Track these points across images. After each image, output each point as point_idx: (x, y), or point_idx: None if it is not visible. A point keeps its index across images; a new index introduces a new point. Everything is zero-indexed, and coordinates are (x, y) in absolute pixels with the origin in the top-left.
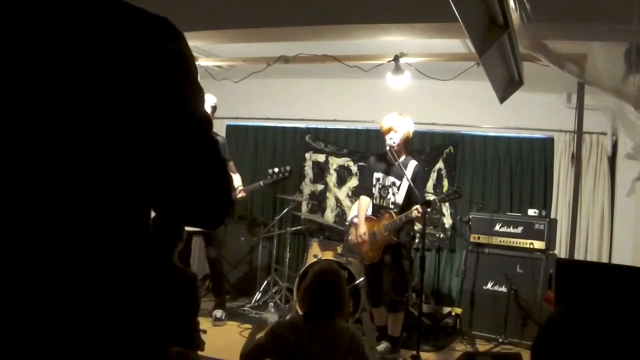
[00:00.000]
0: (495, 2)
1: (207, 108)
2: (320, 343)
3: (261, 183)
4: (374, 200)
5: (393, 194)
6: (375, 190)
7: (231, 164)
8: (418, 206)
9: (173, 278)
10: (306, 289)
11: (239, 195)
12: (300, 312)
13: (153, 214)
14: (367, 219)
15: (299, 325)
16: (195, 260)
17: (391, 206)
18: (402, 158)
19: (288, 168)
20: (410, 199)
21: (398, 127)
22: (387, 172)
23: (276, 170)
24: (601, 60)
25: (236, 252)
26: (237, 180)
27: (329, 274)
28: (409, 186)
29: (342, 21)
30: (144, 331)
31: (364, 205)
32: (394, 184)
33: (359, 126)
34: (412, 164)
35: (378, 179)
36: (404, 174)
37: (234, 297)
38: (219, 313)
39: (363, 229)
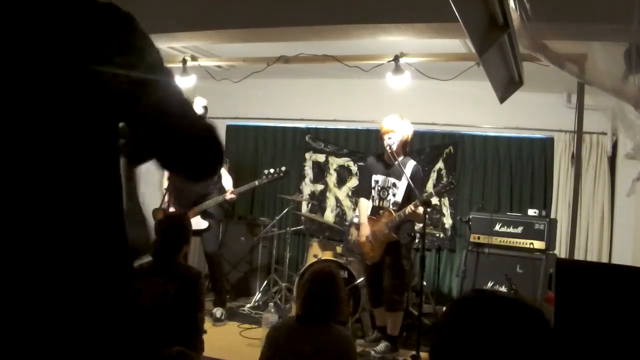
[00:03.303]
0: (495, 2)
1: (199, 109)
2: (311, 344)
3: (256, 183)
4: (373, 202)
5: (393, 195)
6: (374, 192)
7: (224, 165)
8: (412, 203)
9: (178, 276)
10: (301, 291)
11: (229, 197)
12: (297, 313)
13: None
14: (368, 219)
15: (291, 326)
16: (196, 261)
17: (391, 206)
18: (400, 158)
19: (283, 168)
20: (409, 197)
21: (398, 129)
22: (386, 174)
23: (272, 170)
24: (601, 60)
25: (236, 252)
26: (228, 182)
27: (323, 277)
28: (408, 185)
29: (342, 21)
30: (116, 324)
31: (364, 207)
32: (394, 184)
33: (359, 126)
34: (411, 163)
35: (377, 181)
36: (403, 173)
37: (234, 297)
38: (218, 312)
39: (366, 231)
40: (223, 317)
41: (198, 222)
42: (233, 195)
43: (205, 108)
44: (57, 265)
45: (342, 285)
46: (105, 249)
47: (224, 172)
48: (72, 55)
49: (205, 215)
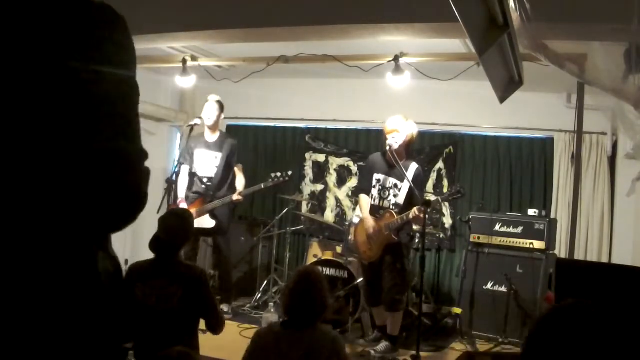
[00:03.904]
0: (495, 2)
1: (212, 104)
2: (299, 349)
3: (262, 185)
4: (373, 201)
5: (394, 196)
6: (374, 191)
7: (239, 167)
8: (416, 208)
9: (181, 277)
10: (283, 296)
11: (235, 199)
12: (282, 319)
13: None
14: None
15: (278, 332)
16: (201, 259)
17: (392, 207)
18: (403, 160)
19: (290, 173)
20: (411, 200)
21: (402, 130)
22: (388, 174)
23: (278, 174)
24: (601, 60)
25: (236, 252)
26: (240, 184)
27: (302, 280)
28: (410, 188)
29: (342, 21)
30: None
31: (365, 202)
32: (395, 185)
33: (359, 126)
34: (413, 166)
35: (378, 180)
36: (405, 175)
37: (234, 297)
38: (225, 307)
39: (371, 222)
40: (230, 312)
41: (206, 221)
42: (240, 197)
43: (220, 103)
44: (22, 267)
45: (323, 284)
46: (73, 249)
47: (238, 173)
48: (58, 53)
49: (213, 215)
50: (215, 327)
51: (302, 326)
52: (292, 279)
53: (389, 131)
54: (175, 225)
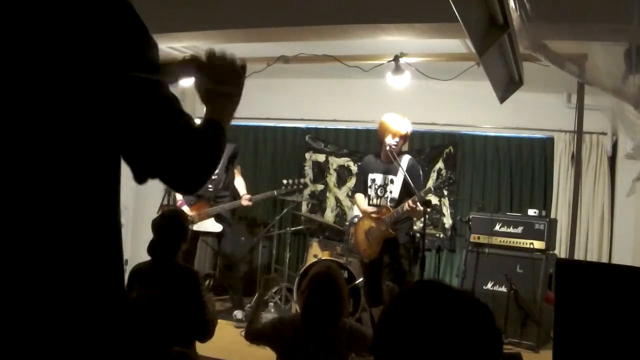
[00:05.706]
0: (495, 2)
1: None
2: (318, 344)
3: (275, 192)
4: (371, 201)
5: (390, 192)
6: (371, 191)
7: (238, 168)
8: (410, 200)
9: (175, 277)
10: (303, 292)
11: (245, 204)
12: (301, 315)
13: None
14: (366, 216)
15: (298, 325)
16: (208, 262)
17: (389, 203)
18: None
19: (302, 180)
20: (407, 191)
21: (407, 133)
22: (385, 172)
23: (291, 181)
24: (601, 60)
25: (236, 252)
26: (241, 185)
27: (325, 278)
28: (405, 180)
29: (342, 21)
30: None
31: (361, 199)
32: (391, 181)
33: (359, 126)
34: (406, 158)
35: (373, 180)
36: (400, 167)
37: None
38: (239, 314)
39: (369, 218)
40: (244, 319)
41: (213, 225)
42: (249, 202)
43: None
44: (47, 268)
45: (344, 285)
46: (98, 254)
47: (237, 175)
48: (68, 43)
49: (219, 218)
50: (203, 333)
51: (320, 323)
52: (310, 277)
53: (394, 132)
54: (165, 227)
